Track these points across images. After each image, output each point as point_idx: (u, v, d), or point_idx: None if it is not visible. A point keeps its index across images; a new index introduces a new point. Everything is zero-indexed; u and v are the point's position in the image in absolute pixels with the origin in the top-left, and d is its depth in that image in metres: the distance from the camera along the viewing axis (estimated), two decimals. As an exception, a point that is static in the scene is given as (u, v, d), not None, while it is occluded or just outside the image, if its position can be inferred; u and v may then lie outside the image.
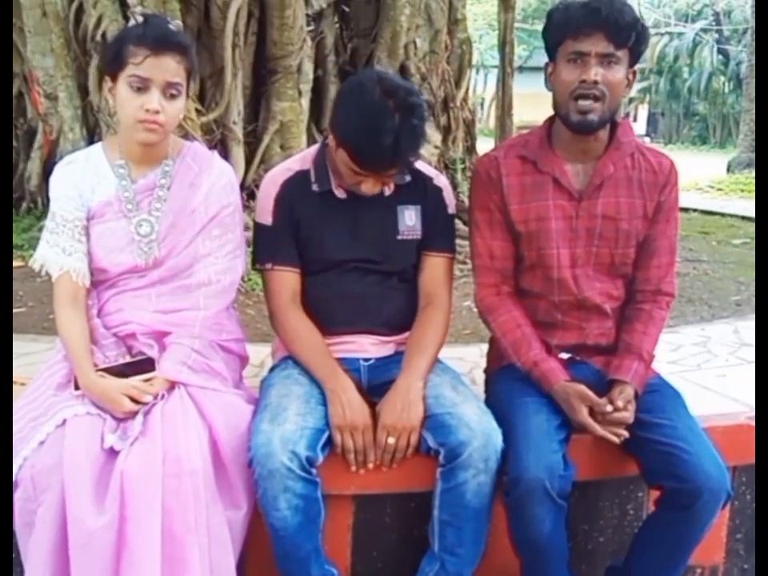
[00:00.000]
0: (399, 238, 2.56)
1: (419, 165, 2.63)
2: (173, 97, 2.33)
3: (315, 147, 2.63)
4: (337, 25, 6.63)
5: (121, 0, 5.22)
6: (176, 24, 2.44)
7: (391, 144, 2.26)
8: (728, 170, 15.50)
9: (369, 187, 2.42)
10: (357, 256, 2.54)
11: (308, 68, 6.02)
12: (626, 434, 2.36)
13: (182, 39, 2.38)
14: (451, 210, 2.63)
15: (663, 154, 2.58)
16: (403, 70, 6.55)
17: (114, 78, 2.34)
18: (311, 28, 6.21)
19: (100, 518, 2.12)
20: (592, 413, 2.37)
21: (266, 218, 2.55)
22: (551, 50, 2.46)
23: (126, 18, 5.19)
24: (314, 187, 2.53)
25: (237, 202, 2.53)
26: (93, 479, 2.16)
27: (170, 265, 2.45)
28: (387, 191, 2.54)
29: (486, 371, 2.77)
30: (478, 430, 2.27)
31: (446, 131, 6.79)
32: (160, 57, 2.29)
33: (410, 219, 2.57)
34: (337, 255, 2.54)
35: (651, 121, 41.24)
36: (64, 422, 2.22)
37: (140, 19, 2.42)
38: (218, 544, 2.24)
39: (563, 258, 2.51)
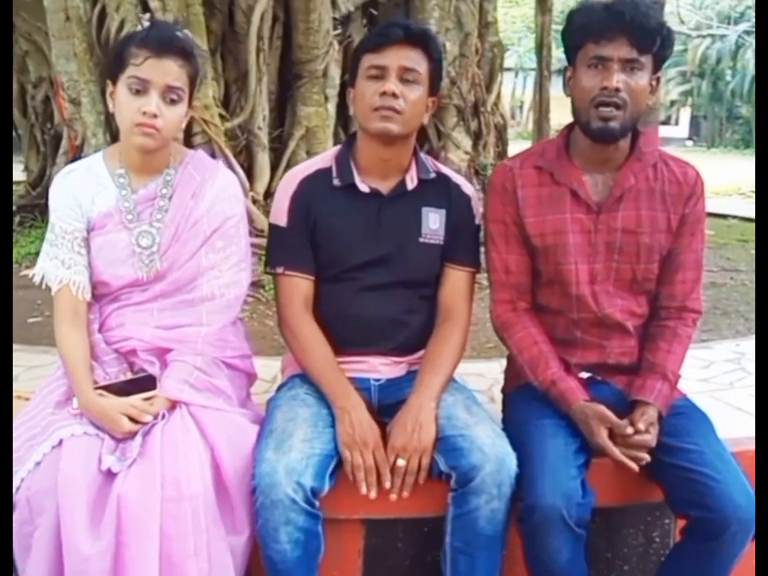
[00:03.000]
0: (421, 240, 2.45)
1: (446, 170, 2.56)
2: (173, 102, 2.25)
3: (339, 146, 2.54)
4: (365, 28, 6.54)
5: (143, 4, 5.16)
6: (185, 32, 2.36)
7: (404, 22, 2.35)
8: (772, 174, 15.11)
9: (388, 84, 2.28)
10: (375, 254, 2.42)
11: (334, 72, 5.94)
12: (647, 457, 2.24)
13: (187, 44, 2.30)
14: (478, 220, 2.53)
15: (688, 163, 2.45)
16: (432, 74, 6.45)
17: (115, 81, 2.27)
18: (338, 32, 6.11)
19: (95, 544, 2.05)
20: (612, 435, 2.26)
21: (281, 219, 2.45)
22: (571, 54, 2.35)
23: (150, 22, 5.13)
24: (335, 182, 2.43)
25: (241, 213, 2.44)
26: (89, 503, 2.09)
27: (172, 278, 2.37)
28: (410, 184, 2.44)
29: (503, 390, 2.66)
30: (491, 453, 2.16)
31: (477, 136, 6.68)
32: (161, 59, 2.22)
33: (434, 223, 2.46)
34: (354, 253, 2.43)
35: (693, 124, 40.75)
36: (60, 442, 2.14)
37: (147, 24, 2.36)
38: (219, 570, 2.16)
39: (582, 274, 2.39)
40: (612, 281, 2.41)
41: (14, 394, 2.68)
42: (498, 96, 7.08)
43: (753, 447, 2.51)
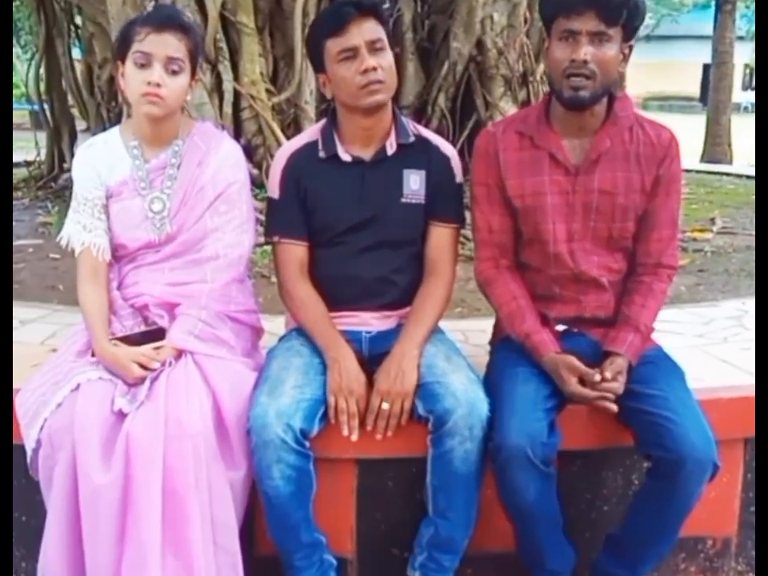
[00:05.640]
0: (403, 200, 2.62)
1: (426, 133, 2.72)
2: (174, 73, 2.47)
3: (324, 119, 2.72)
4: (414, 2, 6.70)
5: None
6: (188, 15, 2.58)
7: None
8: None
9: (366, 61, 2.43)
10: (361, 217, 2.60)
11: (381, 45, 6.08)
12: (614, 407, 2.39)
13: (185, 20, 2.53)
14: (458, 179, 2.68)
15: (663, 126, 2.58)
16: (479, 45, 6.59)
17: (123, 61, 2.50)
18: (386, 6, 6.27)
19: (106, 475, 2.29)
20: (583, 383, 2.42)
21: (275, 192, 2.66)
22: (546, 27, 2.50)
23: (198, 4, 5.38)
24: (321, 154, 2.61)
25: (243, 179, 2.64)
26: (101, 439, 2.32)
27: (181, 239, 2.59)
28: (390, 150, 2.60)
29: (490, 342, 2.84)
30: (463, 398, 2.35)
31: (525, 106, 6.74)
32: (161, 33, 2.44)
33: (414, 183, 2.62)
34: (342, 218, 2.61)
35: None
36: (78, 386, 2.39)
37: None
38: (219, 501, 2.38)
39: (559, 233, 2.54)
40: (590, 239, 2.56)
41: (49, 348, 2.97)
42: (549, 65, 7.09)
43: (729, 395, 2.68)
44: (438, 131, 6.55)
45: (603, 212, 2.53)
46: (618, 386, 2.40)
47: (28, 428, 2.41)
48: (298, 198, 2.63)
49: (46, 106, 8.39)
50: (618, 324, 2.54)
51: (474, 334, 3.20)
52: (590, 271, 2.56)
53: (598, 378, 2.39)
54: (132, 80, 2.48)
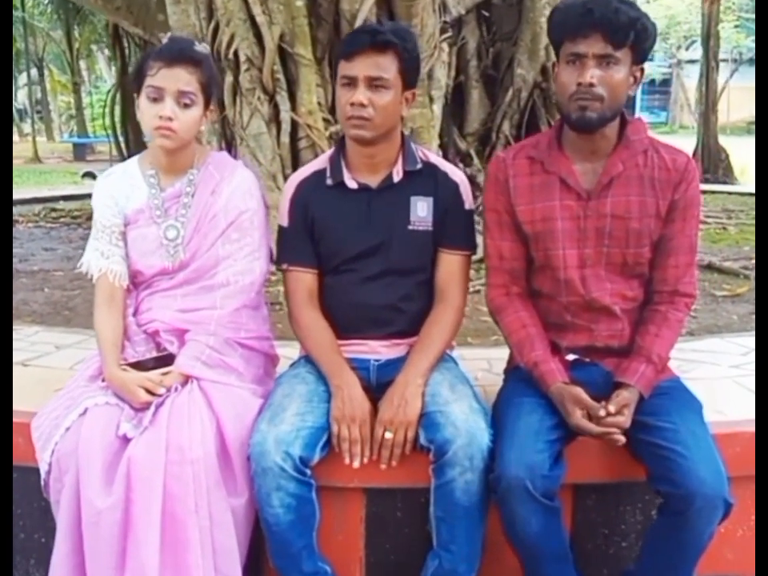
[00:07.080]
0: (410, 227, 2.59)
1: (435, 159, 2.69)
2: (186, 106, 2.51)
3: (333, 148, 2.73)
4: (479, 30, 6.69)
5: (252, 19, 5.49)
6: (203, 45, 2.61)
7: (371, 28, 2.49)
8: None
9: (356, 95, 2.41)
10: (368, 245, 2.59)
11: (440, 74, 6.09)
12: (621, 438, 2.32)
13: (197, 54, 2.54)
14: (468, 206, 2.65)
15: (680, 151, 2.51)
16: (544, 71, 6.54)
17: (139, 93, 2.55)
18: (449, 35, 6.27)
19: (107, 499, 2.32)
20: (590, 416, 2.35)
21: (284, 220, 2.68)
22: (556, 52, 2.46)
23: (257, 36, 5.48)
24: (328, 181, 2.62)
25: (255, 207, 2.65)
26: (104, 463, 2.35)
27: (194, 267, 2.62)
28: (396, 177, 2.59)
29: (504, 370, 2.78)
30: (463, 428, 2.31)
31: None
32: (173, 68, 2.48)
33: (422, 210, 2.60)
34: (349, 245, 2.61)
35: None
36: (86, 410, 2.44)
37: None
38: (220, 527, 2.38)
39: (569, 259, 2.49)
40: (603, 265, 2.49)
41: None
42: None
43: (749, 429, 2.57)
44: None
45: (617, 237, 2.46)
46: (624, 419, 2.33)
47: (41, 451, 2.46)
48: (306, 225, 2.64)
49: (121, 138, 8.64)
50: (631, 354, 2.47)
51: (498, 362, 3.13)
52: (603, 299, 2.49)
53: (602, 413, 2.32)
54: (145, 113, 2.52)
